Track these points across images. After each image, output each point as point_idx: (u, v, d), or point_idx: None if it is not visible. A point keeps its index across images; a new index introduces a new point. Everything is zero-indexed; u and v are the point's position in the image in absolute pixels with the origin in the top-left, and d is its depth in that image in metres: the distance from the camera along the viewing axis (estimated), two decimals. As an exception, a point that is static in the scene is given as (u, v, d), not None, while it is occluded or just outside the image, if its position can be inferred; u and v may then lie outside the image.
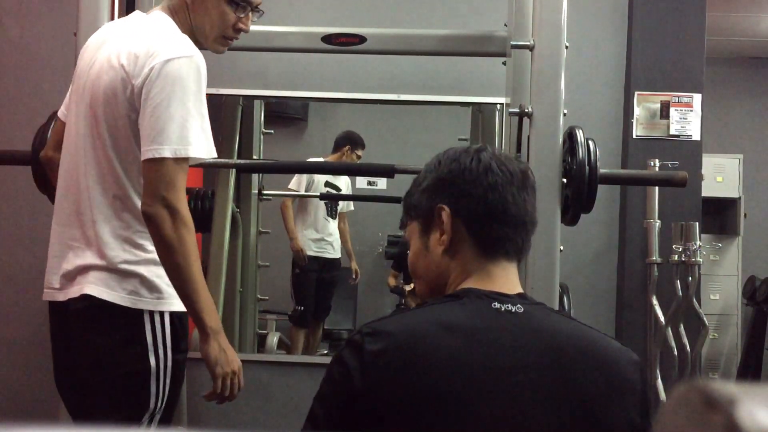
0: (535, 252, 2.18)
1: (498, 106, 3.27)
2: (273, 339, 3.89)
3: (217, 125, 3.54)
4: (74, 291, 1.71)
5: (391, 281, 4.43)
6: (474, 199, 1.15)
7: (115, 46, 1.73)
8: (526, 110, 2.23)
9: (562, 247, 2.22)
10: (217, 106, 3.38)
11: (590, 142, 2.20)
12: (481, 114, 3.45)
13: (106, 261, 1.68)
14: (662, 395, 3.10)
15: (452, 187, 1.17)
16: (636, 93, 3.33)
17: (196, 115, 1.65)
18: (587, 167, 2.16)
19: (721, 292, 5.58)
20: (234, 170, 3.34)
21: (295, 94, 3.49)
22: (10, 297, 3.24)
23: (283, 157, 4.19)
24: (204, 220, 3.14)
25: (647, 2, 3.33)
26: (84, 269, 1.70)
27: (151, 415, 1.74)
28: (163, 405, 1.74)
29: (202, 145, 1.66)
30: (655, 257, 3.23)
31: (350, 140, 4.20)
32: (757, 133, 6.25)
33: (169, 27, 1.76)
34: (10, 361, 3.24)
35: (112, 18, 2.33)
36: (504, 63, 2.80)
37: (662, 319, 3.19)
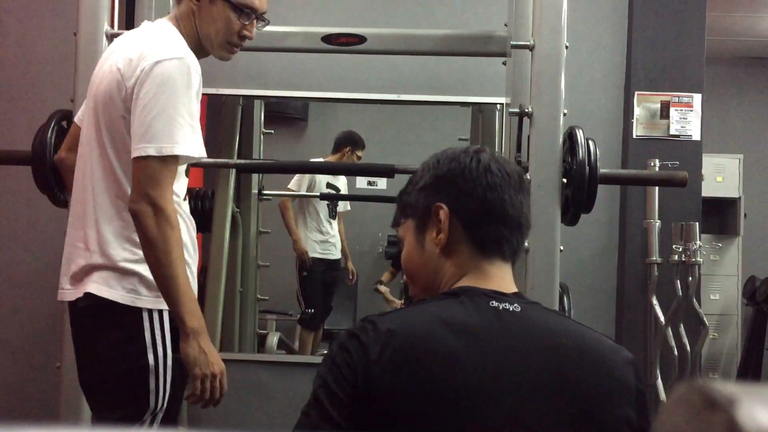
0: (535, 252, 2.19)
1: (498, 106, 3.27)
2: (273, 339, 3.89)
3: (217, 125, 3.56)
4: (80, 290, 1.75)
5: (386, 276, 4.43)
6: (473, 198, 1.15)
7: (118, 52, 1.78)
8: (526, 110, 2.23)
9: (562, 247, 2.22)
10: (217, 106, 3.39)
11: (590, 142, 2.20)
12: (481, 114, 3.45)
13: (107, 260, 1.71)
14: (662, 395, 3.10)
15: (451, 186, 1.17)
16: (636, 93, 3.33)
17: (184, 115, 1.67)
18: (587, 167, 2.16)
19: (721, 292, 5.58)
20: (234, 170, 3.34)
21: (295, 94, 3.49)
22: (10, 297, 3.24)
23: (283, 157, 4.19)
24: (204, 220, 3.14)
25: (647, 2, 3.33)
26: (88, 269, 1.74)
27: (153, 414, 1.75)
28: (165, 404, 1.75)
29: (189, 144, 1.68)
30: (655, 257, 3.23)
31: (351, 141, 4.18)
32: (757, 133, 6.25)
33: (166, 32, 1.80)
34: (11, 361, 3.24)
35: (112, 18, 2.33)
36: (504, 63, 2.80)
37: (662, 319, 3.19)
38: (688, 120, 3.32)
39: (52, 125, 2.26)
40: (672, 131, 3.32)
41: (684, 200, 3.30)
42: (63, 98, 2.47)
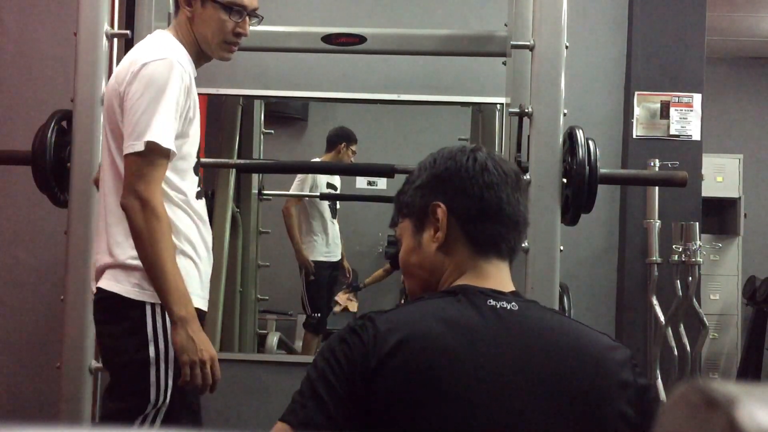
0: (535, 252, 2.19)
1: (498, 106, 3.27)
2: (273, 339, 3.89)
3: (217, 125, 3.56)
4: (95, 287, 1.87)
5: (379, 272, 4.44)
6: (470, 197, 1.16)
7: (120, 65, 1.89)
8: (526, 110, 2.23)
9: (562, 247, 2.22)
10: (217, 106, 3.39)
11: (590, 142, 2.20)
12: (481, 114, 3.45)
13: (114, 259, 1.81)
14: (662, 395, 3.10)
15: (448, 184, 1.17)
16: (636, 93, 3.33)
17: (167, 112, 1.75)
18: (587, 167, 2.17)
19: (721, 292, 5.58)
20: (234, 170, 3.34)
21: (295, 94, 3.49)
22: (10, 297, 3.24)
23: (283, 157, 4.18)
24: (204, 220, 3.14)
25: (647, 2, 3.33)
26: (102, 268, 1.84)
27: (155, 408, 1.77)
28: (166, 398, 1.77)
29: (172, 140, 1.76)
30: (655, 257, 3.23)
31: (345, 137, 4.17)
32: (757, 133, 6.25)
33: (159, 38, 1.89)
34: (11, 361, 3.24)
35: (112, 18, 2.34)
36: (504, 63, 2.80)
37: (662, 319, 3.19)
38: (688, 120, 3.32)
39: (52, 125, 2.26)
40: (672, 131, 3.32)
41: (684, 200, 3.30)
42: (63, 98, 2.47)
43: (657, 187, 3.22)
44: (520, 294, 1.18)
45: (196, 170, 1.91)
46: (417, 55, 3.09)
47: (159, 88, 1.74)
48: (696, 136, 3.32)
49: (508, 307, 1.11)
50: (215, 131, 3.37)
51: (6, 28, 3.30)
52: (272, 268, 3.88)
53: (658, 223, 3.24)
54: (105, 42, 2.27)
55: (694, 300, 3.24)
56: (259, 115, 3.69)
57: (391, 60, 3.28)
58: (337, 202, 4.36)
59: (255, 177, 3.72)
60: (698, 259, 3.23)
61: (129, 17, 2.67)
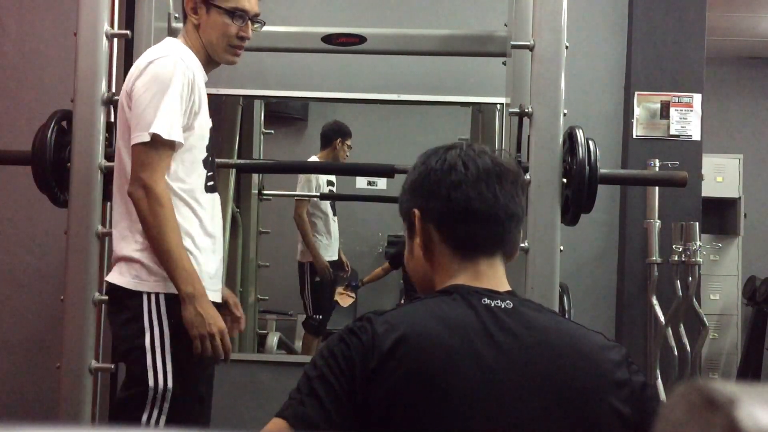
0: (535, 252, 2.19)
1: (498, 106, 3.27)
2: (273, 339, 3.88)
3: (217, 125, 3.56)
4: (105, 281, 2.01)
5: (378, 271, 4.43)
6: (438, 199, 1.16)
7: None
8: (526, 110, 2.23)
9: (562, 247, 2.22)
10: (217, 106, 3.38)
11: (590, 142, 2.20)
12: (481, 114, 3.45)
13: (120, 252, 1.93)
14: (662, 395, 3.10)
15: (421, 189, 1.19)
16: (636, 93, 3.33)
17: (171, 105, 1.85)
18: (587, 167, 2.17)
19: (721, 292, 5.57)
20: (234, 170, 3.34)
21: (295, 94, 3.49)
22: (11, 297, 3.24)
23: (283, 157, 4.18)
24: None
25: (647, 2, 3.33)
26: (113, 262, 1.98)
27: (158, 394, 1.83)
28: (167, 384, 1.83)
29: (174, 132, 1.86)
30: (655, 257, 3.23)
31: (340, 132, 4.13)
32: (757, 133, 6.25)
33: (166, 42, 2.02)
34: (11, 361, 3.24)
35: (112, 18, 2.34)
36: (504, 63, 2.80)
37: (662, 319, 3.19)
38: (688, 120, 3.32)
39: (52, 125, 2.26)
40: (672, 131, 3.32)
41: (684, 200, 3.30)
42: (63, 98, 2.47)
43: (657, 187, 3.22)
44: (516, 293, 1.18)
45: (206, 163, 1.98)
46: (417, 55, 3.09)
47: (163, 82, 1.86)
48: (696, 136, 3.32)
49: (503, 306, 1.11)
50: (215, 131, 3.36)
51: (6, 28, 3.30)
52: (272, 268, 3.88)
53: (658, 223, 3.24)
54: (105, 42, 2.27)
55: (694, 300, 3.24)
56: (259, 115, 3.69)
57: (391, 60, 3.28)
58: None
59: (255, 177, 3.71)
60: (698, 259, 3.23)
61: (129, 17, 2.67)
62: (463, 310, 1.09)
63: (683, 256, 3.23)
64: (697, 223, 3.26)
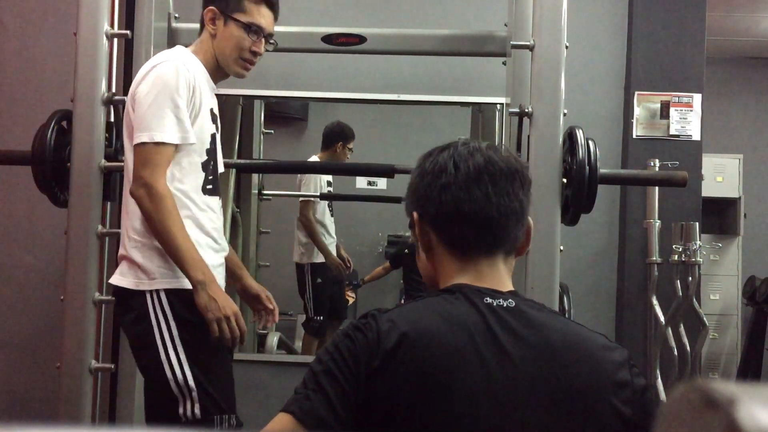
0: (535, 252, 2.19)
1: (498, 106, 3.27)
2: (273, 339, 3.88)
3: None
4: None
5: (379, 270, 4.43)
6: (431, 202, 1.17)
7: None
8: (526, 110, 2.23)
9: (562, 247, 2.22)
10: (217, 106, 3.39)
11: (590, 142, 2.20)
12: (481, 114, 3.45)
13: (123, 252, 1.98)
14: (662, 395, 3.10)
15: (416, 192, 1.19)
16: (636, 93, 3.33)
17: (172, 107, 1.92)
18: (587, 167, 2.17)
19: (721, 292, 5.57)
20: (234, 170, 3.34)
21: (295, 94, 3.49)
22: (10, 297, 3.25)
23: (283, 157, 4.18)
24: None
25: (647, 2, 3.33)
26: (118, 263, 2.02)
27: (183, 385, 1.88)
28: (186, 378, 1.88)
29: (175, 132, 1.93)
30: (655, 257, 3.23)
31: (342, 135, 4.11)
32: (757, 133, 6.25)
33: (173, 49, 2.09)
34: (11, 361, 3.24)
35: (112, 18, 2.34)
36: (504, 63, 2.80)
37: (662, 319, 3.19)
38: (688, 120, 3.32)
39: (52, 125, 2.26)
40: (672, 131, 3.32)
41: (684, 200, 3.30)
42: (63, 98, 2.47)
43: (657, 187, 3.22)
44: (518, 293, 1.18)
45: (205, 167, 2.02)
46: (417, 55, 3.09)
47: (164, 86, 1.92)
48: (696, 136, 3.33)
49: (505, 305, 1.11)
50: (215, 131, 3.37)
51: (6, 28, 3.30)
52: (272, 268, 3.88)
53: (658, 223, 3.24)
54: (105, 42, 2.28)
55: (694, 300, 3.24)
56: (259, 115, 3.69)
57: (391, 60, 3.28)
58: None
59: (255, 177, 3.72)
60: (698, 259, 3.23)
61: (129, 17, 2.67)
62: (465, 309, 1.10)
63: (683, 256, 3.23)
64: (697, 223, 3.26)
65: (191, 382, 1.90)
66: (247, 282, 2.22)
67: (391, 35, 2.84)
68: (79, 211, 2.25)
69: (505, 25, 2.85)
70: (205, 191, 2.02)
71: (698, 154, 3.34)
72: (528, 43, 2.25)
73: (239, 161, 3.39)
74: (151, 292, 1.92)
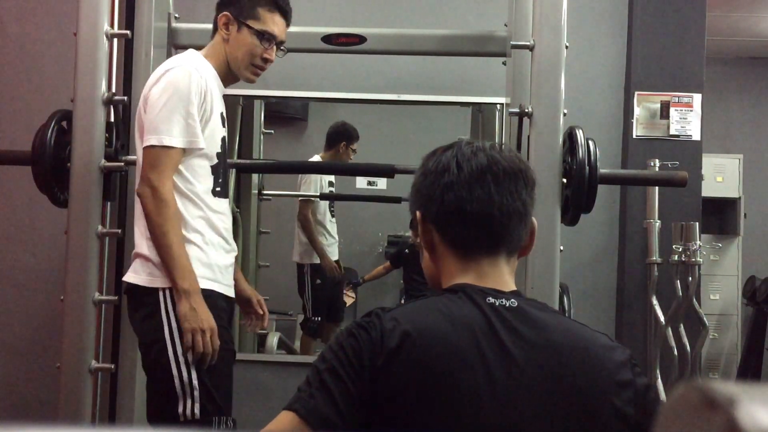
0: (535, 252, 2.18)
1: (498, 106, 3.27)
2: (273, 339, 3.88)
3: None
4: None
5: (379, 269, 4.43)
6: (433, 201, 1.17)
7: None
8: (526, 110, 2.23)
9: (562, 247, 2.22)
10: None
11: (590, 142, 2.20)
12: (481, 114, 3.45)
13: (136, 250, 2.02)
14: (662, 395, 3.10)
15: (419, 191, 1.20)
16: (636, 93, 3.33)
17: (182, 112, 1.96)
18: (587, 167, 2.17)
19: (721, 292, 5.58)
20: (234, 170, 3.34)
21: (295, 94, 3.49)
22: (10, 297, 3.24)
23: (283, 157, 4.18)
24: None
25: (647, 2, 3.33)
26: (132, 260, 2.06)
27: (187, 383, 1.90)
28: (191, 375, 1.91)
29: (183, 137, 1.96)
30: (655, 257, 3.23)
31: (346, 136, 4.09)
32: (757, 133, 6.25)
33: (185, 53, 2.13)
34: (11, 361, 3.24)
35: (112, 18, 2.34)
36: (504, 63, 2.80)
37: (662, 319, 3.19)
38: (688, 120, 3.32)
39: (52, 125, 2.26)
40: (672, 131, 3.32)
41: (684, 200, 3.30)
42: (63, 98, 2.47)
43: (657, 187, 3.22)
44: (521, 293, 1.18)
45: (215, 170, 2.06)
46: (417, 55, 3.09)
47: (175, 90, 1.96)
48: (696, 136, 3.33)
49: (508, 305, 1.11)
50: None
51: (6, 28, 3.30)
52: (272, 268, 3.88)
53: (658, 223, 3.24)
54: (105, 42, 2.28)
55: (694, 300, 3.24)
56: (259, 115, 3.69)
57: (391, 60, 3.28)
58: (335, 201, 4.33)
59: (255, 177, 3.71)
60: (698, 259, 3.23)
61: (129, 17, 2.67)
62: (468, 309, 1.10)
63: (683, 256, 3.23)
64: (697, 223, 3.26)
65: (195, 382, 1.92)
66: (241, 284, 2.26)
67: (391, 35, 2.84)
68: (79, 211, 2.25)
69: (505, 25, 2.85)
70: (214, 193, 2.06)
71: (698, 154, 3.34)
72: (528, 43, 2.25)
73: (239, 161, 3.39)
74: (163, 289, 1.96)
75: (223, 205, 2.10)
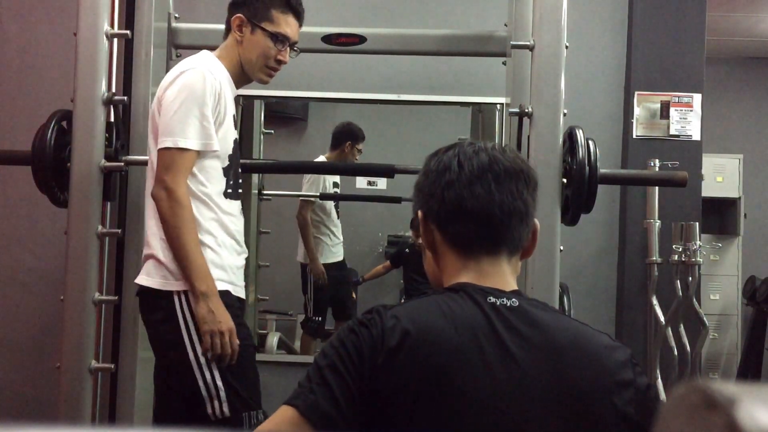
0: (535, 252, 2.18)
1: (498, 106, 3.27)
2: (273, 339, 3.88)
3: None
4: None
5: (379, 268, 4.43)
6: (435, 199, 1.18)
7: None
8: (526, 110, 2.23)
9: (562, 247, 2.22)
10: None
11: (590, 142, 2.20)
12: (481, 114, 3.45)
13: (149, 252, 2.01)
14: (662, 395, 3.10)
15: (422, 191, 1.21)
16: (636, 93, 3.33)
17: (197, 114, 1.96)
18: (587, 167, 2.17)
19: (721, 292, 5.58)
20: (234, 170, 3.33)
21: (295, 94, 3.49)
22: (11, 297, 3.24)
23: (283, 157, 4.18)
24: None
25: (647, 2, 3.33)
26: (142, 262, 2.05)
27: (211, 384, 1.90)
28: (214, 376, 1.91)
29: (198, 139, 1.97)
30: (655, 257, 3.23)
31: (351, 135, 4.09)
32: (757, 133, 6.25)
33: (199, 55, 2.11)
34: (11, 361, 3.24)
35: (112, 18, 2.34)
36: (504, 63, 2.80)
37: (662, 319, 3.19)
38: (688, 120, 3.32)
39: (52, 125, 2.26)
40: (672, 131, 3.32)
41: (684, 200, 3.30)
42: (63, 98, 2.47)
43: (657, 187, 3.22)
44: (522, 292, 1.18)
45: (227, 171, 2.07)
46: (417, 55, 3.09)
47: (190, 92, 1.96)
48: (696, 136, 3.33)
49: (509, 304, 1.11)
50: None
51: (6, 28, 3.30)
52: (272, 268, 3.88)
53: (658, 223, 3.24)
54: (105, 42, 2.28)
55: (694, 300, 3.24)
56: (259, 115, 3.69)
57: (391, 60, 3.28)
58: (340, 201, 4.33)
59: (255, 177, 3.71)
60: (698, 259, 3.23)
61: (129, 17, 2.67)
62: (469, 308, 1.10)
63: (683, 256, 3.23)
64: (697, 223, 3.26)
65: (219, 382, 1.92)
66: None
67: (391, 35, 2.83)
68: (79, 211, 2.25)
69: (505, 25, 2.85)
70: (226, 195, 2.06)
71: (698, 154, 3.34)
72: (528, 43, 2.25)
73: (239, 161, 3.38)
74: (178, 292, 1.95)
75: (235, 207, 2.10)
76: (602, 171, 2.22)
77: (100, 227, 2.28)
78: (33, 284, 3.22)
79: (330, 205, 4.15)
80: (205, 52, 2.15)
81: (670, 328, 3.19)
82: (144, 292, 2.01)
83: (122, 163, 2.36)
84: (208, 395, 1.91)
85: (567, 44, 2.24)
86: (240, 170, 2.17)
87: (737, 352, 5.40)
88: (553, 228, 2.19)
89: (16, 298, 3.24)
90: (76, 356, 2.23)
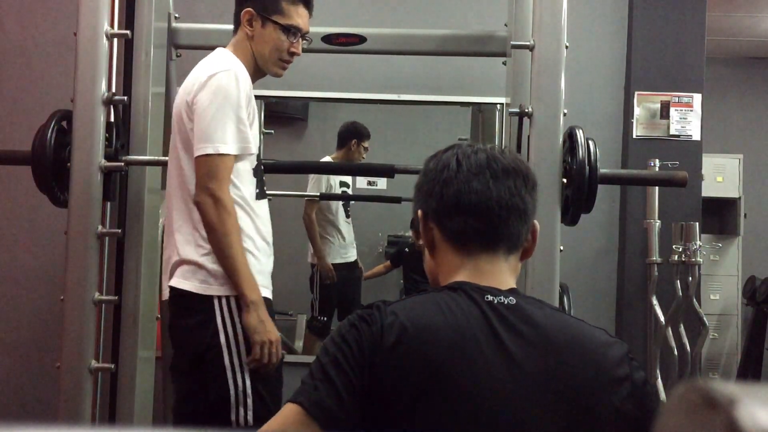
0: (535, 252, 2.18)
1: (498, 106, 3.27)
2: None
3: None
4: (167, 286, 2.02)
5: (379, 268, 4.43)
6: (433, 197, 1.19)
7: (185, 82, 2.06)
8: (526, 110, 2.23)
9: (562, 247, 2.22)
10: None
11: (590, 142, 2.20)
12: (481, 114, 3.45)
13: (184, 257, 1.97)
14: (662, 395, 3.10)
15: (421, 190, 1.22)
16: (636, 93, 3.33)
17: (234, 118, 1.93)
18: (587, 167, 2.17)
19: (721, 292, 5.57)
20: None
21: (295, 94, 3.49)
22: (10, 297, 3.24)
23: (283, 157, 4.18)
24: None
25: (647, 2, 3.34)
26: (174, 267, 2.00)
27: (241, 391, 1.89)
28: (245, 382, 1.90)
29: (237, 143, 1.94)
30: (655, 257, 3.23)
31: (356, 133, 4.09)
32: (757, 133, 6.25)
33: (219, 54, 2.07)
34: (10, 361, 3.24)
35: (112, 18, 2.34)
36: (504, 63, 2.80)
37: (662, 319, 3.19)
38: (688, 120, 3.32)
39: (52, 125, 2.26)
40: (672, 131, 3.32)
41: (684, 200, 3.30)
42: (63, 98, 2.47)
43: (657, 187, 3.22)
44: (519, 291, 1.18)
45: (256, 172, 2.05)
46: (417, 55, 3.09)
47: (225, 96, 1.93)
48: (696, 136, 3.33)
49: (506, 302, 1.12)
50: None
51: (6, 28, 3.30)
52: (273, 268, 3.87)
53: (658, 223, 3.24)
54: (105, 42, 2.28)
55: (694, 300, 3.24)
56: (260, 115, 3.68)
57: (391, 60, 3.28)
58: (350, 201, 4.33)
59: (255, 177, 3.70)
60: (698, 259, 3.23)
61: (129, 17, 2.67)
62: (467, 306, 1.11)
63: (683, 256, 3.23)
64: (697, 223, 3.26)
65: (249, 389, 1.91)
66: None
67: (391, 35, 2.84)
68: (79, 211, 2.25)
69: (505, 25, 2.85)
70: (257, 196, 2.06)
71: (698, 154, 3.34)
72: (528, 43, 2.25)
73: (239, 161, 3.38)
74: (219, 297, 1.93)
75: (264, 209, 2.10)
76: (602, 171, 2.22)
77: (100, 227, 2.28)
78: (33, 284, 3.22)
79: (336, 205, 4.15)
80: (223, 50, 2.10)
81: (670, 328, 3.19)
82: (180, 295, 1.96)
83: (122, 163, 2.36)
84: (236, 402, 1.89)
85: (567, 44, 2.24)
86: (263, 171, 2.15)
87: (737, 352, 5.40)
88: (553, 228, 2.19)
89: (16, 298, 3.24)
90: (76, 356, 2.23)
